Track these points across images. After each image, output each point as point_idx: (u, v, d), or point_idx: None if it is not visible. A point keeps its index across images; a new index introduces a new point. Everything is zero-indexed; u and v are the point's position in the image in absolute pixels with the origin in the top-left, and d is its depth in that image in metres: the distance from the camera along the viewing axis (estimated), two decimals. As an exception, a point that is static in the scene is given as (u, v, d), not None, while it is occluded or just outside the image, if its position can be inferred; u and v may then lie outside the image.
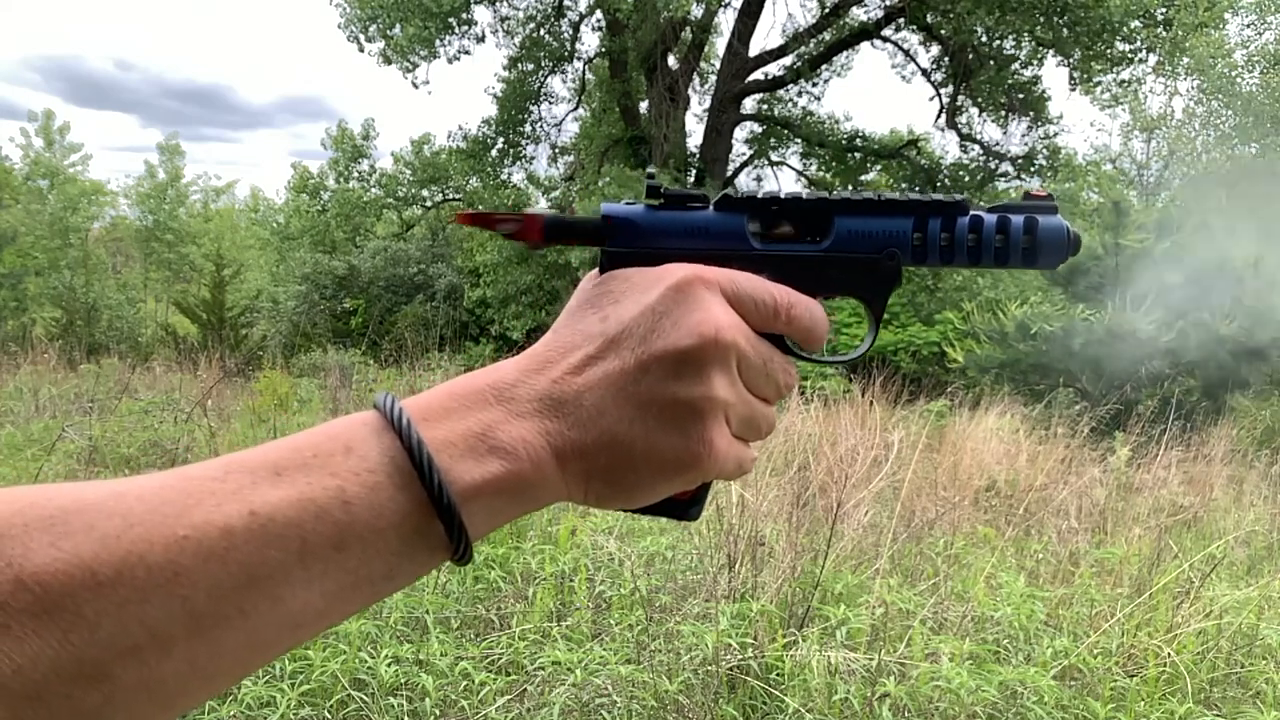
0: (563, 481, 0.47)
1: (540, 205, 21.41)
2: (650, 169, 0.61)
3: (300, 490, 0.41)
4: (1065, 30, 17.97)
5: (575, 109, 22.93)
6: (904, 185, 22.28)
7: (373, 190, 23.32)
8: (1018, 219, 0.58)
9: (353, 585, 0.42)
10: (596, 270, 0.55)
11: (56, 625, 0.35)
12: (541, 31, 21.38)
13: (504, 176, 22.24)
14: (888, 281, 0.58)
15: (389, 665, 2.62)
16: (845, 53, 22.26)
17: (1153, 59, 17.55)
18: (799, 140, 23.16)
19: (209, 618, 0.38)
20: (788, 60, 21.35)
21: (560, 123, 22.97)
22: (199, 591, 0.38)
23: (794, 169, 24.11)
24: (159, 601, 0.37)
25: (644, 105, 21.34)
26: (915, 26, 20.67)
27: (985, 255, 0.58)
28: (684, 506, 0.56)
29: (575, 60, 22.16)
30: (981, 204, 0.59)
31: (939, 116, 21.55)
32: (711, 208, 0.56)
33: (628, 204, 0.57)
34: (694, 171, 20.74)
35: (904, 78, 22.24)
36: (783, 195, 0.57)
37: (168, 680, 0.38)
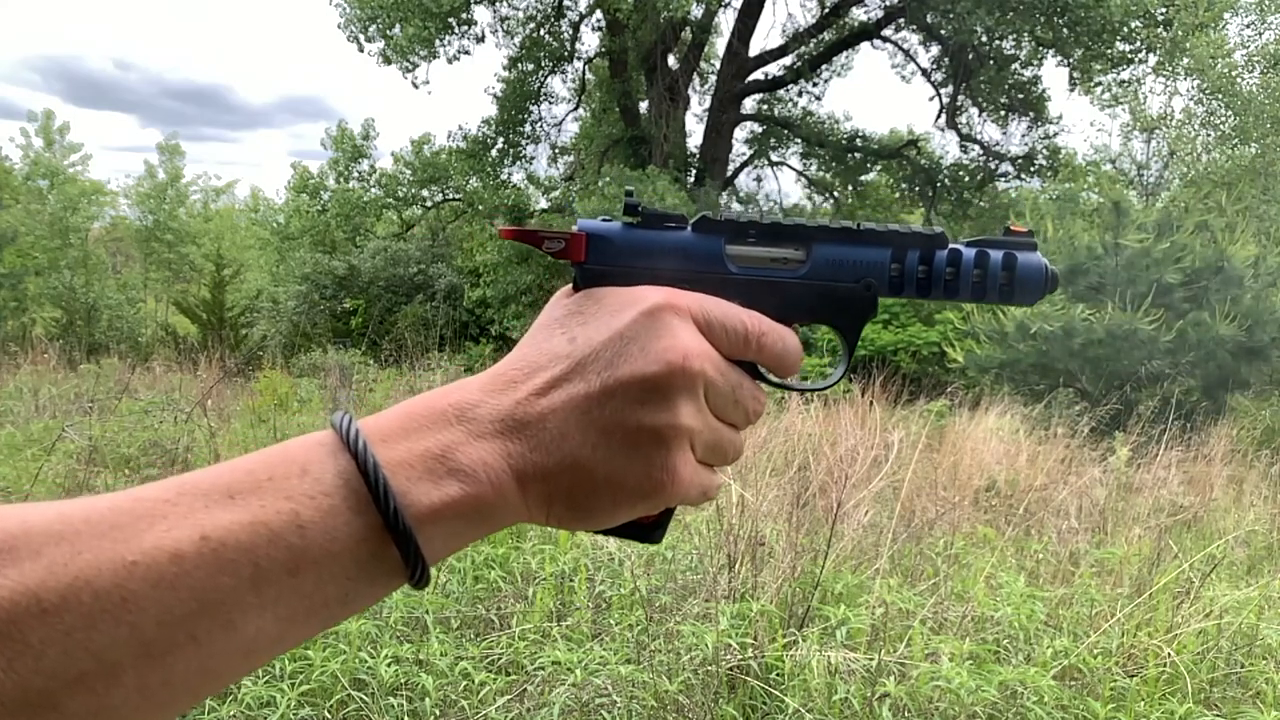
0: (524, 504, 0.46)
1: (534, 209, 21.39)
2: (629, 187, 0.61)
3: (253, 514, 0.40)
4: (1065, 30, 17.98)
5: (575, 109, 22.93)
6: (904, 185, 22.30)
7: (373, 190, 23.30)
8: (996, 254, 0.58)
9: (307, 611, 0.41)
10: (570, 287, 0.54)
11: (1, 654, 0.34)
12: (541, 31, 21.38)
13: (504, 176, 22.23)
14: (863, 311, 0.57)
15: (389, 665, 2.62)
16: (845, 53, 22.27)
17: (1153, 59, 17.56)
18: (799, 140, 23.17)
19: (159, 645, 0.37)
20: (788, 60, 21.36)
21: (560, 123, 22.98)
22: (148, 619, 0.37)
23: (794, 169, 24.12)
24: (106, 629, 0.36)
25: (644, 105, 21.33)
26: (915, 26, 20.67)
27: (962, 289, 0.57)
28: (647, 530, 0.55)
29: (575, 60, 22.16)
30: (960, 238, 0.59)
31: (939, 116, 21.56)
32: (689, 229, 0.56)
33: (604, 220, 0.56)
34: (694, 171, 20.74)
35: (904, 78, 22.25)
36: (761, 220, 0.57)
37: (117, 708, 0.37)
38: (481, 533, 0.46)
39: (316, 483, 0.42)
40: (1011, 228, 0.59)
